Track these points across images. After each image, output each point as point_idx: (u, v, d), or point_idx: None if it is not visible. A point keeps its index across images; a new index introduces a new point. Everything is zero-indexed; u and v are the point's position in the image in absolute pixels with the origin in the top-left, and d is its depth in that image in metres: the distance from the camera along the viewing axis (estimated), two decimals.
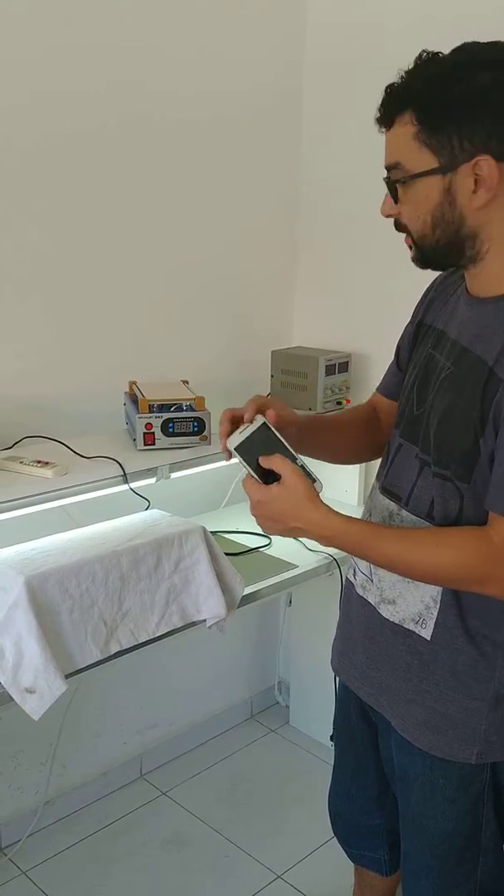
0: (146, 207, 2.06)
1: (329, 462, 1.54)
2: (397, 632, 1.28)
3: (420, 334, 1.32)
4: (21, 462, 1.67)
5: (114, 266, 2.03)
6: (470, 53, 1.07)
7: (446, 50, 1.10)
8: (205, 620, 1.74)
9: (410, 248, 1.18)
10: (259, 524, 1.23)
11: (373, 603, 1.32)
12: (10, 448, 1.78)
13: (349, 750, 1.56)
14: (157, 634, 1.66)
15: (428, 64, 1.08)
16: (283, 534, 1.22)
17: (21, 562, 1.54)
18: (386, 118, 1.12)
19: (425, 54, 1.09)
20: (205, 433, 1.83)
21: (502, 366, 1.10)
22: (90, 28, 1.85)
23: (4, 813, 2.16)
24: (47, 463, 1.67)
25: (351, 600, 1.40)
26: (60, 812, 2.27)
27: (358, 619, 1.37)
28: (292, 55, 2.31)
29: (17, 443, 1.80)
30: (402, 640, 1.28)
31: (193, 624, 1.73)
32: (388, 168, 1.14)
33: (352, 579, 1.40)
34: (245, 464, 1.21)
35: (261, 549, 2.12)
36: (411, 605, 1.26)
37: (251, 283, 2.38)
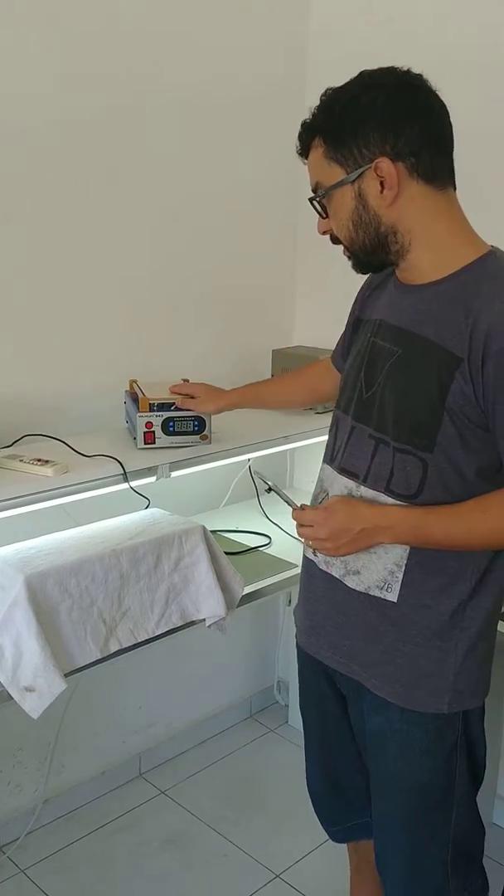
0: (147, 205, 2.06)
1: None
2: (364, 600, 1.35)
3: (359, 329, 1.45)
4: (21, 460, 1.67)
5: (115, 264, 2.02)
6: (360, 80, 1.24)
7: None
8: (204, 620, 1.74)
9: (349, 258, 1.33)
10: (325, 546, 1.33)
11: (338, 576, 1.39)
12: (9, 446, 1.78)
13: (321, 722, 1.60)
14: (157, 633, 1.67)
15: (327, 95, 1.26)
16: (351, 546, 1.31)
17: (21, 560, 1.54)
18: (302, 149, 1.30)
19: (329, 90, 1.25)
20: (205, 432, 1.83)
21: (459, 346, 1.19)
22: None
23: (3, 811, 2.16)
24: (47, 461, 1.66)
25: (313, 576, 1.46)
26: (59, 810, 2.27)
27: (323, 593, 1.43)
28: (295, 51, 2.31)
29: (16, 441, 1.80)
30: (370, 606, 1.35)
31: (193, 623, 1.73)
32: (313, 191, 1.30)
33: (311, 557, 1.45)
34: (290, 499, 1.41)
35: (260, 549, 2.12)
36: (374, 574, 1.33)
37: (252, 281, 2.38)
